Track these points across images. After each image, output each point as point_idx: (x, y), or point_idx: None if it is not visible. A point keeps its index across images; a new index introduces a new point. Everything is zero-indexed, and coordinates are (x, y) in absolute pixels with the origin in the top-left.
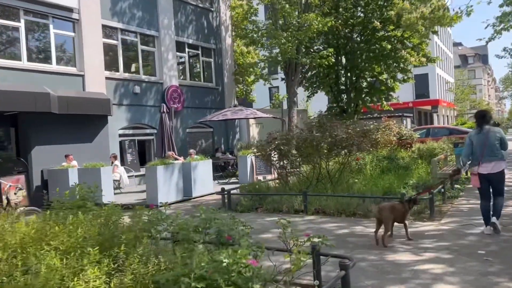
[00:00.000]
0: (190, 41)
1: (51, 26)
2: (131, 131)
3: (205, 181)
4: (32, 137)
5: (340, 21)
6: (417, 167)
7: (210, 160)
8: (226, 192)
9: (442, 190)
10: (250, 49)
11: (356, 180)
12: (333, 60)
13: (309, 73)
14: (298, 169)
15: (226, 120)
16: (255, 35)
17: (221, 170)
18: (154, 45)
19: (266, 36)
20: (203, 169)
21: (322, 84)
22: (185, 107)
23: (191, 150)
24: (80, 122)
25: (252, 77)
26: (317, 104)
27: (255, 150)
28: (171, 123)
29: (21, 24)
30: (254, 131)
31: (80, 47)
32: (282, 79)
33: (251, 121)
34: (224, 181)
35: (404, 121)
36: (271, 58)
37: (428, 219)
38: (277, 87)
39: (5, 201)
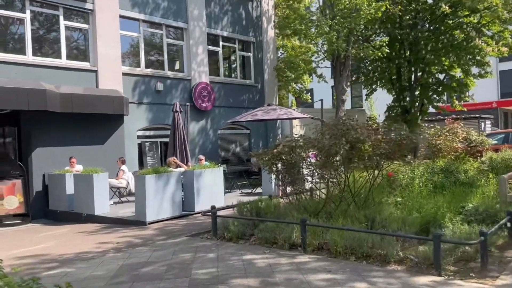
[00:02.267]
0: (225, 34)
1: (61, 18)
2: (152, 132)
3: (213, 193)
4: (35, 138)
5: (400, 7)
6: (484, 184)
7: (221, 168)
8: (211, 214)
9: (509, 224)
10: (303, 43)
11: (398, 199)
12: (387, 50)
13: (369, 68)
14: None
15: (260, 121)
16: (298, 26)
17: (248, 178)
18: (182, 38)
19: (310, 25)
20: (211, 178)
21: (381, 80)
22: (216, 106)
23: (200, 156)
24: (90, 121)
25: (296, 73)
26: (384, 103)
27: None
28: (185, 124)
29: (27, 16)
30: (298, 133)
31: (94, 40)
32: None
33: (295, 121)
34: (249, 191)
35: (482, 123)
36: (316, 50)
37: (477, 275)
38: None
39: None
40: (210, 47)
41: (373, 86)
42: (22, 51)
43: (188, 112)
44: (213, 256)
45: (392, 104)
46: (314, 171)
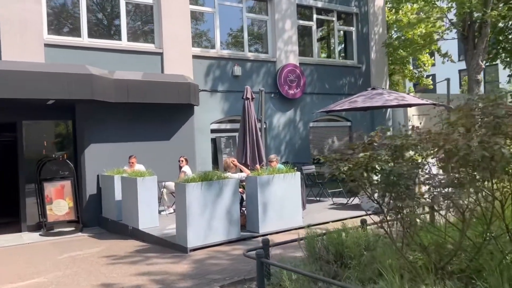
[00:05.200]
0: (320, 4)
1: None
2: (228, 126)
3: (285, 208)
4: (89, 132)
5: None
6: None
7: (297, 174)
8: (253, 254)
9: None
10: (422, 14)
11: None
12: None
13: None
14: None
15: (361, 110)
16: None
17: (343, 183)
18: (266, 12)
19: None
20: (283, 188)
21: None
22: (307, 93)
23: (272, 156)
24: (155, 113)
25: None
26: None
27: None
28: (258, 114)
29: None
30: (415, 125)
31: (159, 18)
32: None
33: (412, 111)
34: (343, 201)
35: None
36: (440, 16)
37: None
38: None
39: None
40: (301, 22)
41: None
42: (76, 33)
43: (262, 98)
44: None
45: None
46: (436, 190)
